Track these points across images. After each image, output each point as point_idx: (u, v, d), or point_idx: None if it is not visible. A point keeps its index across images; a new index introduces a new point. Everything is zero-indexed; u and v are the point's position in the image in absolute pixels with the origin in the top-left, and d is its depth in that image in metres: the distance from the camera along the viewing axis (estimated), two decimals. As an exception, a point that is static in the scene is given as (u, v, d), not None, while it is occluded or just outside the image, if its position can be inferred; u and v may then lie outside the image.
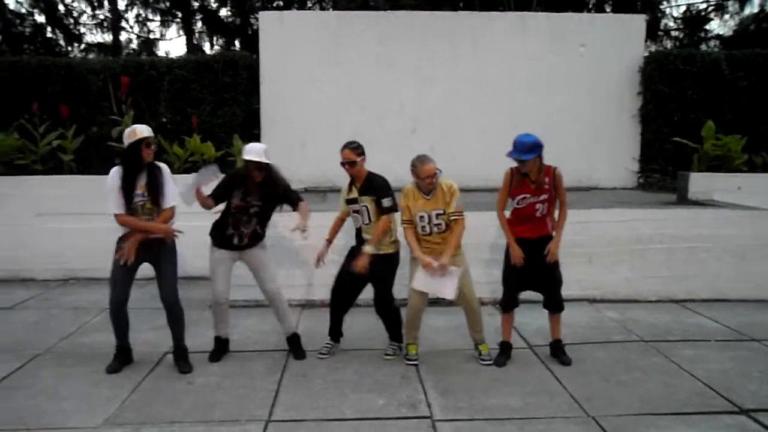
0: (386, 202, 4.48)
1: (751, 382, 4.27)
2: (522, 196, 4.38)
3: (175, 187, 4.41)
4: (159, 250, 4.33)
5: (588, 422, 3.68)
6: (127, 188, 4.20)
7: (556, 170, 4.38)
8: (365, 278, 4.54)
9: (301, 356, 4.72)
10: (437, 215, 4.38)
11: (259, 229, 4.58)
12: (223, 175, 4.58)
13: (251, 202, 4.50)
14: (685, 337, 5.21)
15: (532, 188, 4.34)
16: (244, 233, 4.53)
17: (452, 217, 4.37)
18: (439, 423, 3.66)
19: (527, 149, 4.23)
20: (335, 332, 4.79)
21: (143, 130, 4.25)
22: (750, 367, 4.55)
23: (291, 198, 4.63)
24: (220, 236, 4.59)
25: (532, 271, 4.43)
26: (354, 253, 4.60)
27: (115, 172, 4.24)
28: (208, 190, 4.52)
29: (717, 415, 3.77)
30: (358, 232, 4.63)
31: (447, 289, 4.32)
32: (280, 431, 3.57)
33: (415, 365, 4.53)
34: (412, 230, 4.48)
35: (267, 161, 4.42)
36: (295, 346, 4.79)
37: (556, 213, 4.49)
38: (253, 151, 4.42)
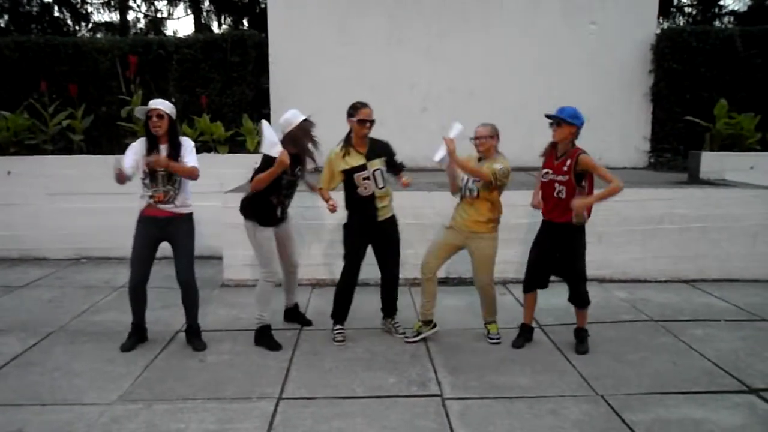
0: (398, 159, 4.47)
1: (761, 361, 4.28)
2: (546, 170, 4.32)
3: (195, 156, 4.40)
4: (176, 227, 4.36)
5: (597, 401, 3.70)
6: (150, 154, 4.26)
7: (580, 156, 4.13)
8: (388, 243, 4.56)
9: (308, 323, 4.99)
10: (474, 181, 4.35)
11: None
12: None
13: (297, 173, 4.45)
14: (694, 317, 5.21)
15: (555, 164, 4.25)
16: (286, 206, 4.54)
17: (488, 168, 4.28)
18: (449, 401, 3.69)
19: (567, 114, 4.16)
20: (345, 314, 4.73)
21: (153, 103, 4.29)
22: (760, 346, 4.55)
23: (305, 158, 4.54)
24: (268, 215, 4.42)
25: (554, 256, 4.35)
26: (359, 227, 4.50)
27: (138, 143, 4.35)
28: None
29: (726, 395, 3.78)
30: (367, 200, 4.42)
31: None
32: (291, 408, 3.61)
33: (417, 342, 4.58)
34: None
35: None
36: (298, 315, 5.05)
37: None
38: (298, 114, 4.35)
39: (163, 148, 4.28)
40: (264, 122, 4.38)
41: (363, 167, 4.38)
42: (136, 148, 4.32)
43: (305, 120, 4.36)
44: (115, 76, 8.38)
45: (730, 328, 4.96)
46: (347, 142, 4.43)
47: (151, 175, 4.27)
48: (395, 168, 4.56)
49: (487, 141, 4.37)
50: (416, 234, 5.98)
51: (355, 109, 4.38)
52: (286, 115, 4.40)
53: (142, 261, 4.39)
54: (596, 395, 3.77)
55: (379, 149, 4.48)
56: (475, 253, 4.48)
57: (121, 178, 4.13)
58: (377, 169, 4.42)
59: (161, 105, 4.27)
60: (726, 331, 4.88)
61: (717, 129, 7.92)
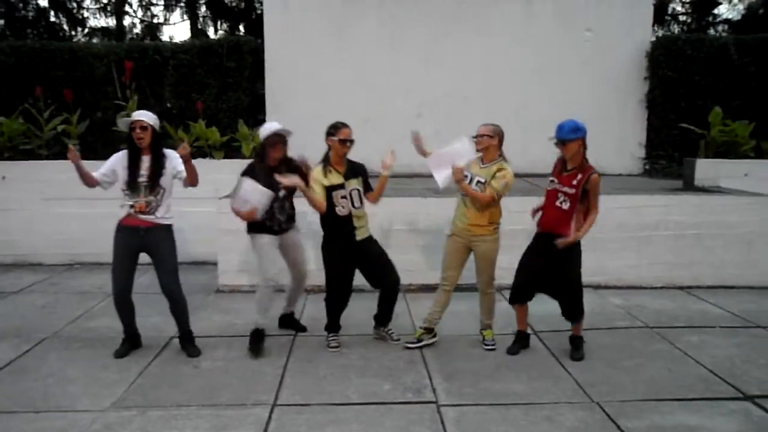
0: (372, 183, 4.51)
1: (757, 368, 4.28)
2: (552, 178, 4.31)
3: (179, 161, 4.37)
4: (155, 237, 4.32)
5: (592, 407, 3.69)
6: (132, 168, 4.25)
7: (593, 176, 4.13)
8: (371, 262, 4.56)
9: (302, 329, 5.01)
10: (477, 182, 4.36)
11: (290, 209, 4.60)
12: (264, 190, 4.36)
13: (280, 187, 4.44)
14: (690, 324, 5.22)
15: (563, 175, 4.23)
16: (281, 220, 4.53)
17: (488, 188, 4.32)
18: (444, 408, 3.68)
19: (567, 131, 4.14)
20: (338, 325, 4.73)
21: (136, 115, 4.29)
22: (755, 353, 4.56)
23: (301, 169, 4.54)
24: (260, 226, 4.49)
25: (547, 270, 4.30)
26: (338, 250, 4.48)
27: (122, 152, 4.34)
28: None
29: (721, 402, 3.78)
30: (344, 219, 4.42)
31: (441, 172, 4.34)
32: (285, 415, 3.59)
33: (417, 348, 4.58)
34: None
35: (285, 130, 4.47)
36: (293, 321, 5.05)
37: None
38: (273, 126, 4.47)
39: (146, 159, 4.26)
40: (245, 179, 4.35)
41: (341, 186, 4.41)
42: (119, 157, 4.32)
43: (272, 134, 4.42)
44: (111, 81, 8.36)
45: (726, 335, 4.96)
46: (326, 162, 4.44)
47: (132, 184, 4.23)
48: (367, 188, 4.55)
49: (485, 140, 4.38)
50: (410, 240, 6.00)
51: (335, 128, 4.40)
52: (265, 125, 4.56)
53: (122, 271, 4.35)
54: (591, 402, 3.77)
55: (357, 170, 4.51)
56: (478, 255, 4.50)
57: (88, 181, 4.23)
58: (354, 189, 4.44)
59: (145, 117, 4.26)
60: (721, 338, 4.89)
61: (712, 136, 7.96)
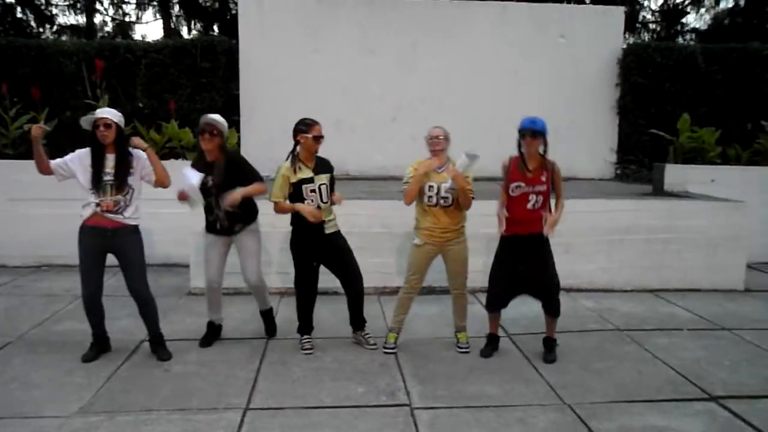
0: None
1: (722, 370, 4.38)
2: (516, 183, 4.28)
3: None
4: (123, 239, 4.23)
5: (564, 409, 3.73)
6: (96, 166, 4.15)
7: (555, 165, 4.28)
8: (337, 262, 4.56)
9: (272, 332, 4.94)
10: (448, 188, 4.34)
11: (231, 208, 4.48)
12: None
13: (209, 182, 4.41)
14: (659, 326, 5.31)
15: (528, 177, 4.24)
16: (219, 216, 4.48)
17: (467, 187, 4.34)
18: (418, 411, 3.68)
19: (541, 125, 4.18)
20: (309, 326, 4.72)
21: (100, 112, 4.21)
22: (720, 355, 4.66)
23: (250, 178, 4.48)
24: (207, 221, 4.59)
25: (524, 271, 4.32)
26: (305, 243, 4.48)
27: (84, 150, 4.24)
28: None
29: (688, 402, 3.85)
30: None
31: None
32: (258, 419, 3.55)
33: (394, 353, 4.56)
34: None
35: (217, 122, 4.44)
36: (268, 321, 4.97)
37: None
38: (206, 117, 4.49)
39: (111, 158, 4.17)
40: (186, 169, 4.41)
41: (311, 180, 4.41)
42: (81, 155, 4.22)
43: (201, 123, 4.45)
44: (81, 80, 8.21)
45: (693, 338, 5.06)
46: (294, 158, 4.43)
47: (97, 183, 4.14)
48: (331, 187, 4.57)
49: (443, 141, 4.43)
50: (385, 243, 5.99)
51: (308, 126, 4.40)
52: (209, 115, 4.61)
53: (92, 273, 4.26)
54: (563, 404, 3.80)
55: (325, 166, 4.52)
56: (452, 259, 4.51)
57: (43, 166, 4.19)
58: (323, 184, 4.45)
59: (108, 114, 4.17)
60: (689, 340, 4.99)
61: (680, 142, 8.15)
